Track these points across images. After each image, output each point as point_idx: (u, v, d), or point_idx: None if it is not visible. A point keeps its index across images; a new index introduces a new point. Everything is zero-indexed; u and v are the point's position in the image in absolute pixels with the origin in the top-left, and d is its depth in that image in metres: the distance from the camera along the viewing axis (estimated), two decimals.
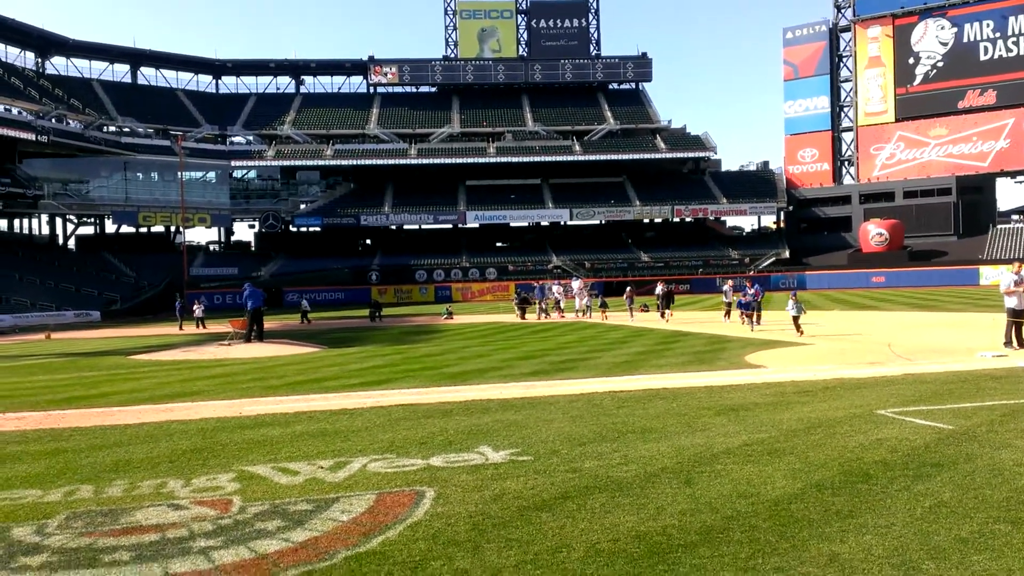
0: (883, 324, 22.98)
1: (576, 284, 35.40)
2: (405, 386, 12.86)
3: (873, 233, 64.23)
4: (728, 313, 27.42)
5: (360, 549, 5.00)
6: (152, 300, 53.39)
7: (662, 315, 29.79)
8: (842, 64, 76.43)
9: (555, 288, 35.60)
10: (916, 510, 5.39)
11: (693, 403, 9.94)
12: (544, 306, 33.59)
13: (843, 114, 76.26)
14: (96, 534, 5.44)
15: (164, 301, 53.59)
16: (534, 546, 4.94)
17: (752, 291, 25.05)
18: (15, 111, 59.12)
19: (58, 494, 6.47)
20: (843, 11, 75.89)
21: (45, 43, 70.71)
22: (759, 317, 24.63)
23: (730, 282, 30.17)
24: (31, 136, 56.28)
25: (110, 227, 66.71)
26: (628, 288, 33.19)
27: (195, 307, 33.43)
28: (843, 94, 76.28)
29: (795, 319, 20.61)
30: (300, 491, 6.39)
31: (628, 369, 14.14)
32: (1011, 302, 15.00)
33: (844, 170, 76.36)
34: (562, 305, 34.56)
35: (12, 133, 55.28)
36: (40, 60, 71.56)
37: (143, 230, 67.17)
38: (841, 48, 76.37)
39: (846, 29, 75.72)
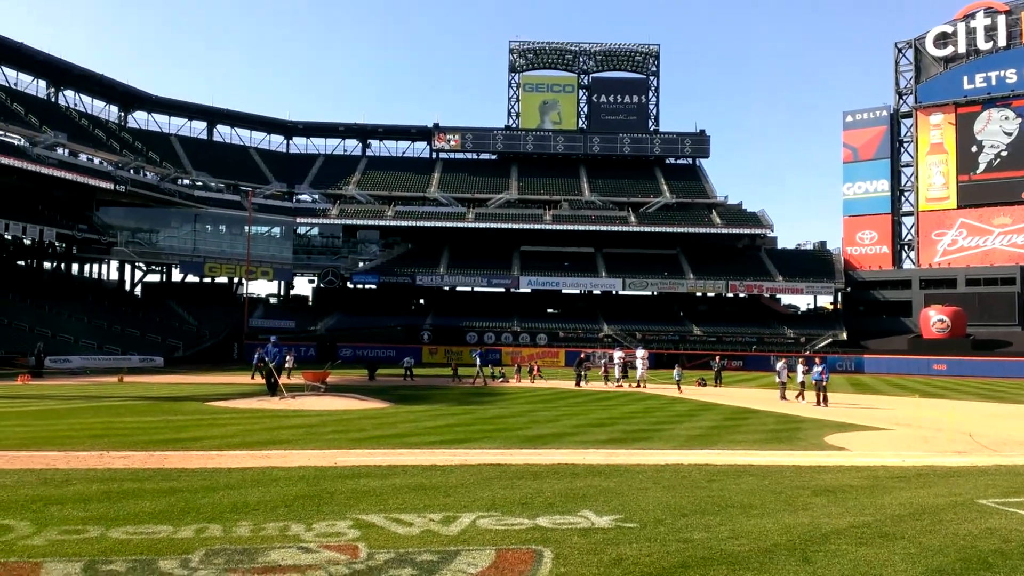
0: (957, 413, 22.44)
1: (640, 353, 35.26)
2: (485, 446, 13.00)
3: (934, 319, 62.87)
4: (784, 393, 26.96)
5: None
6: (213, 349, 54.66)
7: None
8: (903, 149, 76.26)
9: (617, 356, 35.61)
10: None
11: (785, 481, 9.90)
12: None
13: (903, 198, 75.68)
14: (240, 571, 5.68)
15: (224, 350, 54.90)
16: None
17: (819, 369, 24.81)
18: (97, 161, 62.12)
19: (189, 531, 6.75)
20: (905, 98, 76.13)
21: (129, 98, 74.65)
22: (826, 398, 24.31)
23: (784, 361, 29.71)
24: (110, 185, 58.92)
25: (176, 276, 68.90)
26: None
27: (289, 357, 32.90)
28: (903, 179, 75.86)
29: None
30: (419, 542, 6.57)
31: (705, 443, 14.08)
32: None
33: (904, 254, 75.40)
34: (618, 375, 34.51)
35: (93, 182, 57.98)
36: (123, 114, 75.43)
37: (207, 280, 69.16)
38: (902, 134, 76.32)
39: (907, 115, 75.79)
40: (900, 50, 76.39)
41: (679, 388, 31.32)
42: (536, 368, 39.98)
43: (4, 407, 19.07)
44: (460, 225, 72.33)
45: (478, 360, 36.34)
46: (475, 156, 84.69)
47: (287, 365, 31.31)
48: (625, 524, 7.35)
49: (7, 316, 47.19)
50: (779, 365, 28.24)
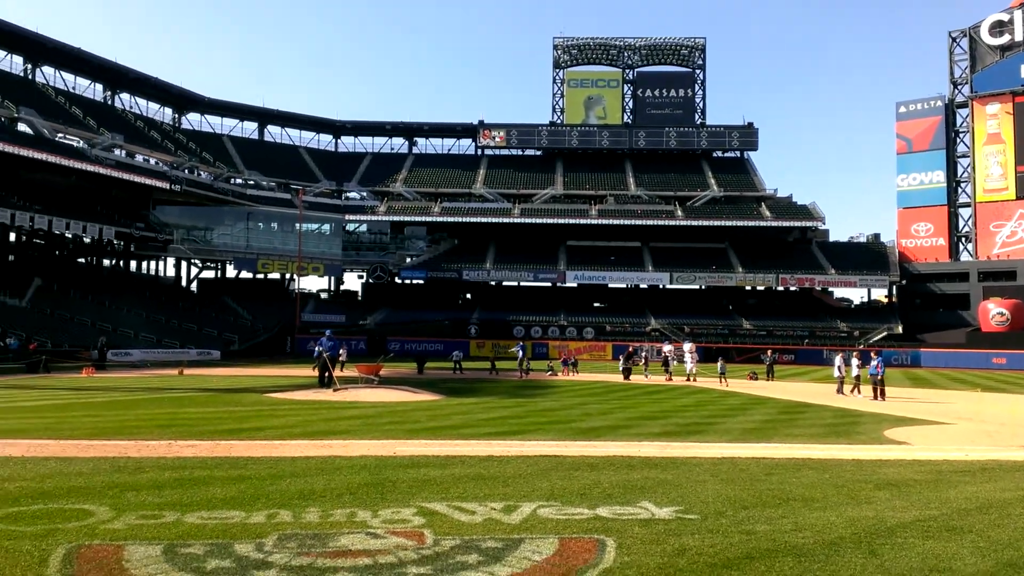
0: (1021, 407, 21.83)
1: (687, 347, 35.03)
2: (539, 438, 13.07)
3: (993, 312, 61.12)
4: (842, 387, 26.51)
5: None
6: (267, 342, 55.79)
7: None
8: (959, 140, 74.22)
9: (666, 349, 35.42)
10: None
11: (846, 475, 9.78)
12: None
13: (960, 189, 73.70)
14: (313, 555, 5.85)
15: (277, 344, 56.01)
16: None
17: (876, 362, 24.39)
18: (153, 161, 63.82)
19: (261, 516, 6.96)
20: (960, 88, 74.05)
21: (182, 100, 76.45)
22: (883, 391, 23.89)
23: (842, 355, 29.12)
24: (165, 185, 60.48)
25: (230, 272, 70.45)
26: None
27: (342, 351, 33.20)
28: (960, 169, 73.88)
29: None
30: (483, 529, 6.68)
31: (761, 436, 13.96)
32: None
33: (961, 246, 73.41)
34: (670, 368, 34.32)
35: (149, 182, 59.59)
36: (177, 116, 77.30)
37: (260, 276, 70.58)
38: (958, 124, 74.30)
39: (963, 105, 73.77)
40: (954, 39, 74.43)
41: (722, 381, 31.08)
42: (573, 360, 39.63)
43: (72, 398, 19.80)
44: (506, 221, 72.49)
45: (520, 353, 36.48)
46: (520, 152, 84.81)
47: (340, 358, 31.75)
48: (686, 516, 7.36)
49: (70, 311, 48.83)
50: (837, 359, 27.74)
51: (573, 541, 6.39)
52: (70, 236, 57.52)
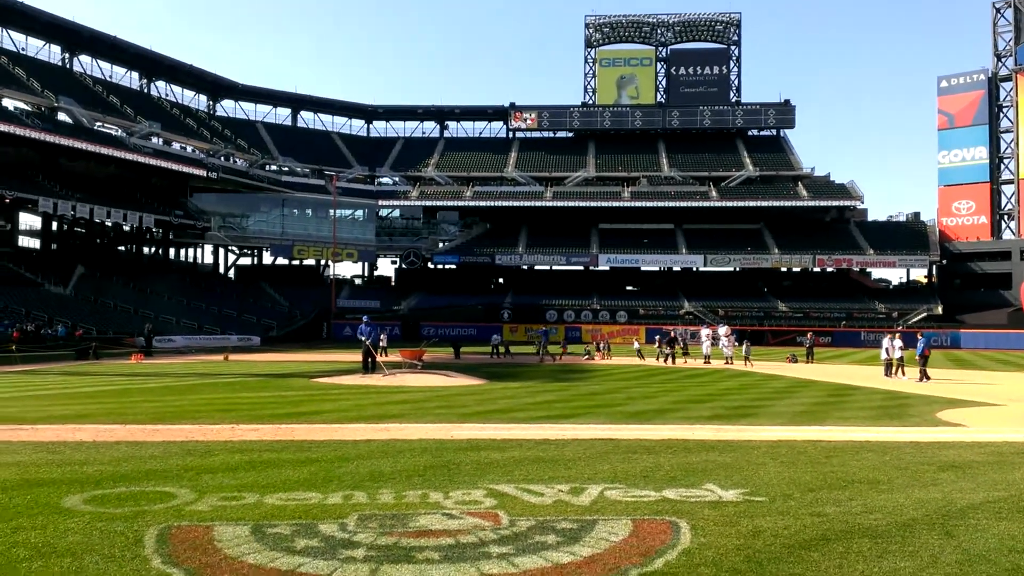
0: None
1: (723, 331, 34.95)
2: (590, 421, 13.16)
3: None
4: (889, 369, 26.19)
5: (648, 568, 5.28)
6: (304, 328, 56.55)
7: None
8: (1002, 114, 72.50)
9: (704, 333, 35.33)
10: None
11: (907, 458, 9.74)
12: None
13: (1003, 166, 72.08)
14: (396, 534, 5.99)
15: (314, 329, 56.75)
16: None
17: (922, 343, 24.13)
18: (189, 149, 64.71)
19: (337, 498, 7.12)
20: (1003, 60, 72.23)
21: (217, 87, 77.29)
22: (926, 373, 23.64)
23: (889, 336, 28.72)
24: (202, 172, 61.34)
25: (267, 259, 71.39)
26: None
27: (382, 336, 32.82)
28: (1003, 145, 72.23)
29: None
30: (555, 511, 6.77)
31: (813, 419, 13.91)
32: None
33: (1004, 224, 71.92)
34: (708, 351, 34.22)
35: (187, 169, 60.49)
36: (212, 103, 78.19)
37: (296, 263, 71.46)
38: (1001, 98, 72.56)
39: (1007, 79, 72.01)
40: (999, 10, 72.58)
41: (747, 363, 31.17)
42: (606, 344, 40.28)
43: (127, 384, 20.31)
44: (538, 204, 72.45)
45: (543, 339, 36.61)
46: (552, 134, 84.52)
47: (381, 343, 32.03)
48: (753, 498, 7.39)
49: (113, 299, 49.87)
50: (885, 340, 27.38)
51: (646, 523, 6.46)
52: (110, 224, 58.65)
